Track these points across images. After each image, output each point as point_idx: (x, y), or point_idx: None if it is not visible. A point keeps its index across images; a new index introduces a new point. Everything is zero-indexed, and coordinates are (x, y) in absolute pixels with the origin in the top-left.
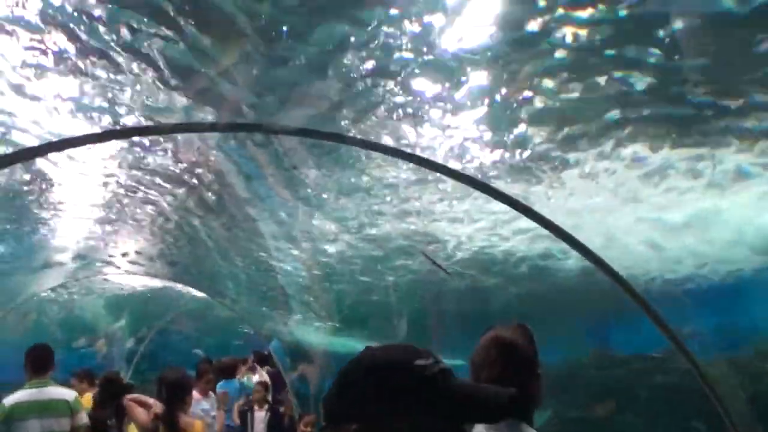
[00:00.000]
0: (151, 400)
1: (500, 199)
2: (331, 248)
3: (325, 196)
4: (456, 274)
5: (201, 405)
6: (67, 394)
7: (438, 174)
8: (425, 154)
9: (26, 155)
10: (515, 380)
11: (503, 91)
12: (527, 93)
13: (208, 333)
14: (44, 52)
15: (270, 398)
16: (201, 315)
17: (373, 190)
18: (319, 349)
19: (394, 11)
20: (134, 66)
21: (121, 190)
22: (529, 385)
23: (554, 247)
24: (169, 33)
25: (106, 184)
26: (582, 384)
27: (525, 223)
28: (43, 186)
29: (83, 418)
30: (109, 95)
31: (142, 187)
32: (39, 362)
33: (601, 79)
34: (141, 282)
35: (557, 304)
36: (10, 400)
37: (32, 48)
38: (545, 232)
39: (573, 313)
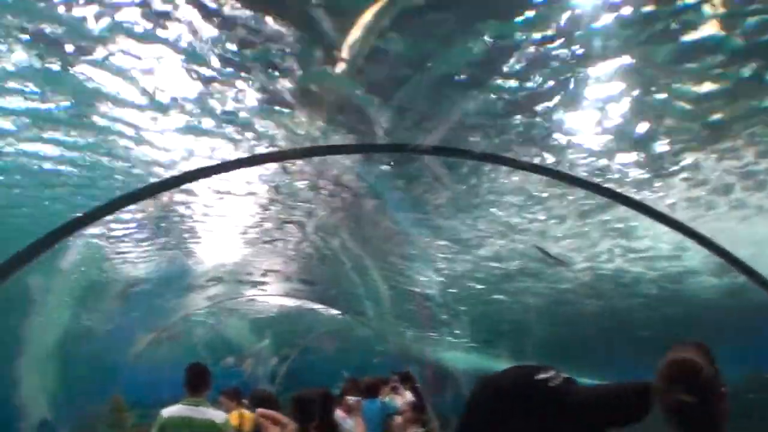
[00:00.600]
0: (284, 419)
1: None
2: (465, 266)
3: (461, 214)
4: (594, 294)
5: (346, 423)
6: (218, 416)
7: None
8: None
9: (184, 179)
10: (701, 401)
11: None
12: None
13: (348, 352)
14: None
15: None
16: (340, 335)
17: (508, 207)
18: (457, 368)
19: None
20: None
21: (265, 213)
22: (715, 405)
23: (696, 265)
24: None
25: (250, 208)
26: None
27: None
28: (192, 211)
29: None
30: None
31: (284, 210)
32: (195, 380)
33: None
34: (282, 302)
35: (701, 325)
36: (166, 411)
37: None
38: (686, 250)
39: (719, 333)
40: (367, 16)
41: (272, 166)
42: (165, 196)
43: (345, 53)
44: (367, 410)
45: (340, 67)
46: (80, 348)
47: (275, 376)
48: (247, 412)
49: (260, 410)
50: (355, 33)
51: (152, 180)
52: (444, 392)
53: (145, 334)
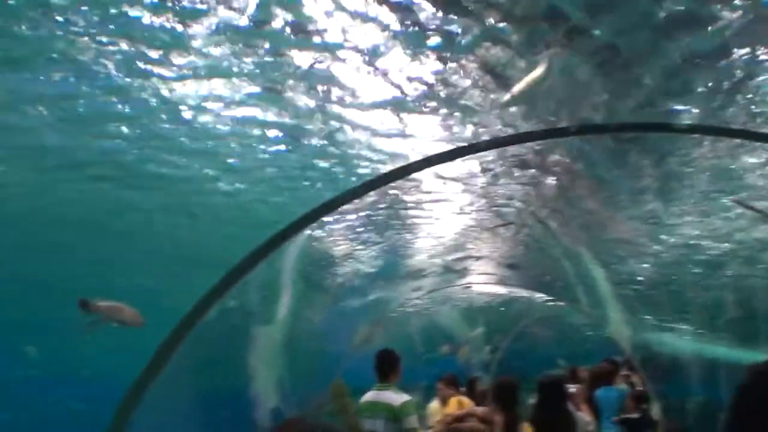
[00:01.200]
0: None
1: None
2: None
3: (686, 192)
4: None
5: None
6: (396, 399)
7: None
8: None
9: (413, 168)
10: None
11: None
12: None
13: (559, 340)
14: None
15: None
16: (551, 322)
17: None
18: (678, 353)
19: None
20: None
21: (480, 201)
22: None
23: None
24: None
25: (465, 195)
26: None
27: None
28: (408, 200)
29: (410, 423)
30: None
31: (499, 196)
32: (380, 366)
33: None
34: (494, 290)
35: None
36: (363, 397)
37: None
38: None
39: None
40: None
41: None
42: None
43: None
44: (604, 399)
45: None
46: (304, 342)
47: (489, 363)
48: (465, 399)
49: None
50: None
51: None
52: (665, 378)
53: (364, 324)
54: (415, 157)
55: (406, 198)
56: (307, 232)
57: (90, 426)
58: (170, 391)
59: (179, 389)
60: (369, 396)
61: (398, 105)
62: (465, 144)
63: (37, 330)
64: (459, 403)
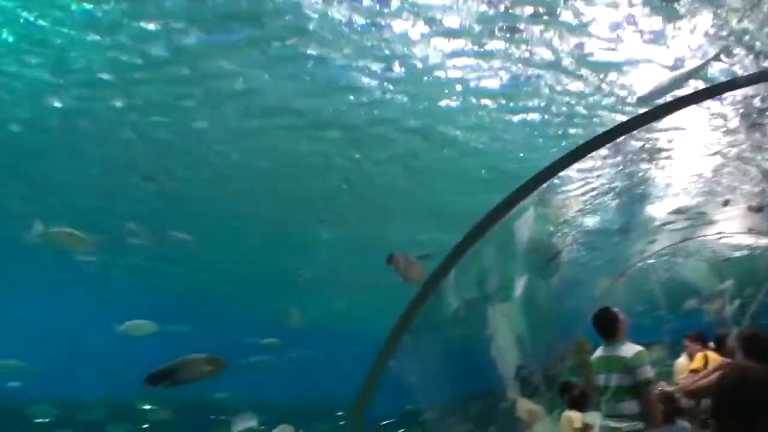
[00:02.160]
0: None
1: None
2: None
3: None
4: None
5: None
6: (628, 351)
7: None
8: None
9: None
10: None
11: None
12: None
13: None
14: None
15: None
16: None
17: None
18: None
19: None
20: None
21: (729, 148)
22: None
23: None
24: None
25: (713, 141)
26: None
27: None
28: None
29: (643, 373)
30: None
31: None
32: (602, 327)
33: None
34: (745, 241)
35: None
36: (594, 354)
37: None
38: None
39: None
40: None
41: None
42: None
43: None
44: None
45: None
46: (543, 298)
47: (739, 318)
48: (713, 354)
49: None
50: None
51: None
52: None
53: (606, 278)
54: None
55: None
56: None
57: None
58: (420, 342)
59: (427, 341)
60: (600, 352)
61: None
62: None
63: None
64: (705, 358)
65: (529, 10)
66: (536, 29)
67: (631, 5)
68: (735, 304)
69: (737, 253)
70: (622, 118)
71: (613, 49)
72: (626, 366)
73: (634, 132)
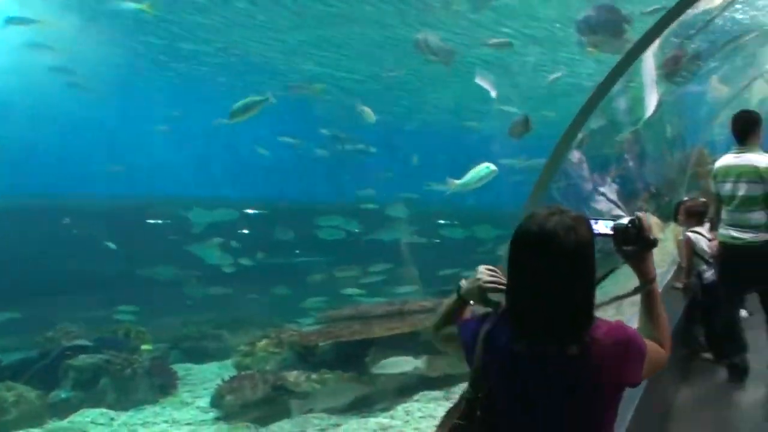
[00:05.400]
0: None
1: None
2: None
3: None
4: None
5: None
6: (762, 160)
7: None
8: None
9: None
10: None
11: None
12: None
13: None
14: None
15: None
16: None
17: None
18: None
19: None
20: None
21: None
22: None
23: None
24: None
25: None
26: None
27: None
28: None
29: None
30: None
31: None
32: (738, 129)
33: None
34: None
35: None
36: (719, 161)
37: None
38: None
39: None
40: None
41: None
42: None
43: None
44: None
45: None
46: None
47: None
48: None
49: None
50: None
51: None
52: None
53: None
54: None
55: None
56: None
57: None
58: None
59: None
60: (726, 159)
61: None
62: None
63: None
64: None
65: None
66: None
67: None
68: None
69: None
70: None
71: None
72: (760, 175)
73: None
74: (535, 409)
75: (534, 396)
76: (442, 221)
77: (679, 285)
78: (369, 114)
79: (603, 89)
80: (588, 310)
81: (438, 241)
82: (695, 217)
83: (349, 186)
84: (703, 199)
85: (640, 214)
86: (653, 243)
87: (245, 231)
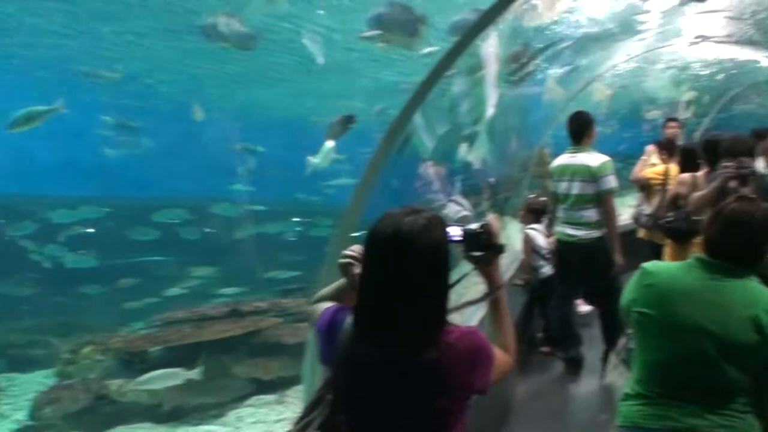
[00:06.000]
0: None
1: None
2: None
3: None
4: None
5: None
6: (594, 160)
7: None
8: None
9: None
10: None
11: None
12: None
13: None
14: None
15: None
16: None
17: None
18: None
19: None
20: None
21: None
22: None
23: None
24: None
25: None
26: None
27: None
28: None
29: (608, 183)
30: None
31: None
32: (573, 129)
33: None
34: (714, 54)
35: None
36: (555, 161)
37: None
38: None
39: None
40: None
41: None
42: None
43: None
44: None
45: None
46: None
47: (692, 130)
48: (674, 167)
49: None
50: None
51: None
52: None
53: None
54: None
55: None
56: None
57: None
58: None
59: None
60: (562, 159)
61: None
62: None
63: None
64: (666, 171)
65: None
66: None
67: None
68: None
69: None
70: None
71: None
72: (591, 175)
73: None
74: (381, 415)
75: (380, 400)
76: (294, 219)
77: (520, 281)
78: (198, 112)
79: (422, 90)
80: (442, 314)
81: (276, 238)
82: (534, 214)
83: (184, 183)
84: (543, 198)
85: (490, 219)
86: (502, 249)
87: (85, 230)
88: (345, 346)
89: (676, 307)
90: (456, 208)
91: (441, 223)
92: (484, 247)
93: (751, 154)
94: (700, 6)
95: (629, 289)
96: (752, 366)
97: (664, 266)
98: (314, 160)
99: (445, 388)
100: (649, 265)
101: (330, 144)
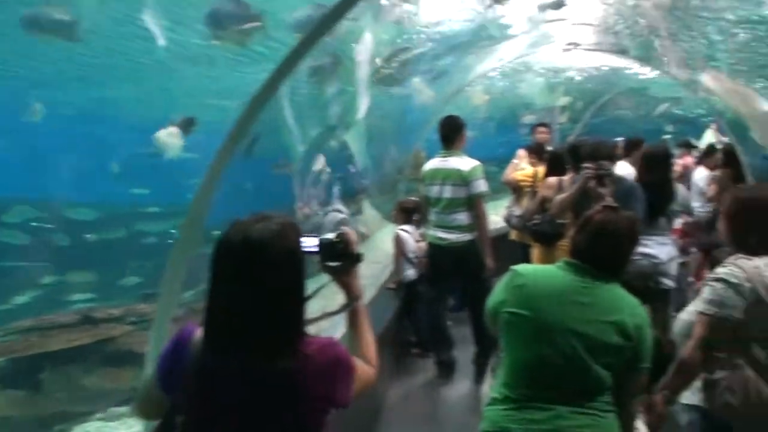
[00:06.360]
0: None
1: None
2: None
3: None
4: None
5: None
6: (465, 164)
7: None
8: None
9: None
10: None
11: None
12: None
13: (642, 117)
14: None
15: None
16: (640, 96)
17: None
18: None
19: None
20: None
21: None
22: None
23: None
24: None
25: None
26: None
27: None
28: None
29: (479, 187)
30: None
31: None
32: (443, 133)
33: None
34: (586, 61)
35: None
36: (427, 165)
37: None
38: None
39: None
40: None
41: None
42: None
43: None
44: None
45: None
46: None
47: (566, 134)
48: (543, 170)
49: None
50: None
51: None
52: None
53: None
54: None
55: None
56: None
57: None
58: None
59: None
60: (433, 163)
61: None
62: None
63: None
64: (534, 174)
65: None
66: None
67: None
68: (563, 119)
69: (579, 72)
70: None
71: None
72: (462, 179)
73: None
74: (237, 430)
75: (237, 415)
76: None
77: (392, 285)
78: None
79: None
80: (298, 325)
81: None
82: (405, 213)
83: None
84: (415, 198)
85: (346, 228)
86: (359, 258)
87: None
88: (197, 361)
89: (546, 308)
90: (334, 212)
91: (294, 229)
92: (340, 256)
93: (611, 158)
94: (571, 17)
95: (499, 290)
96: (616, 366)
97: (535, 268)
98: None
99: (303, 400)
100: (520, 267)
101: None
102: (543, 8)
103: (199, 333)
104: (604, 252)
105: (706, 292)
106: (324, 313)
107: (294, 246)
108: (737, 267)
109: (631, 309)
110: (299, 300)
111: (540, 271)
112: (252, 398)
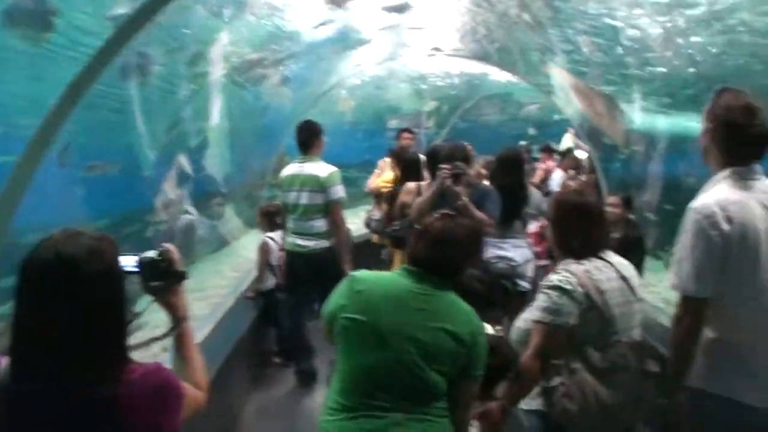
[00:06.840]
0: None
1: None
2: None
3: None
4: None
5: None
6: (322, 170)
7: None
8: None
9: None
10: None
11: None
12: None
13: (511, 121)
14: None
15: None
16: (505, 101)
17: None
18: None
19: None
20: None
21: None
22: None
23: None
24: None
25: None
26: None
27: None
28: None
29: (335, 193)
30: None
31: None
32: (300, 139)
33: None
34: (450, 67)
35: None
36: (284, 171)
37: None
38: None
39: None
40: None
41: None
42: None
43: None
44: None
45: None
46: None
47: (432, 139)
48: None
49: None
50: None
51: None
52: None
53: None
54: None
55: None
56: None
57: None
58: None
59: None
60: (291, 169)
61: None
62: None
63: None
64: (395, 179)
65: None
66: None
67: None
68: (429, 124)
69: (443, 78)
70: None
71: None
72: (320, 185)
73: None
74: None
75: None
76: None
77: (251, 294)
78: None
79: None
80: (117, 344)
81: None
82: (268, 217)
83: None
84: (277, 203)
85: (167, 245)
86: (183, 276)
87: None
88: (5, 389)
89: (383, 314)
90: (184, 215)
91: (111, 246)
92: (163, 275)
93: (466, 160)
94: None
95: (338, 295)
96: (450, 373)
97: (374, 275)
98: None
99: (126, 430)
100: (359, 272)
101: None
102: (389, 10)
103: (5, 362)
104: (441, 259)
105: (541, 300)
106: (149, 338)
107: (110, 262)
108: (569, 272)
109: (466, 316)
110: (117, 318)
111: (379, 277)
112: (69, 428)
